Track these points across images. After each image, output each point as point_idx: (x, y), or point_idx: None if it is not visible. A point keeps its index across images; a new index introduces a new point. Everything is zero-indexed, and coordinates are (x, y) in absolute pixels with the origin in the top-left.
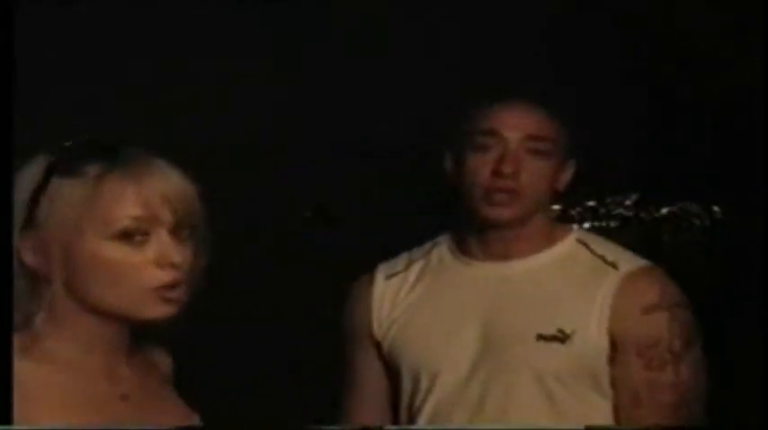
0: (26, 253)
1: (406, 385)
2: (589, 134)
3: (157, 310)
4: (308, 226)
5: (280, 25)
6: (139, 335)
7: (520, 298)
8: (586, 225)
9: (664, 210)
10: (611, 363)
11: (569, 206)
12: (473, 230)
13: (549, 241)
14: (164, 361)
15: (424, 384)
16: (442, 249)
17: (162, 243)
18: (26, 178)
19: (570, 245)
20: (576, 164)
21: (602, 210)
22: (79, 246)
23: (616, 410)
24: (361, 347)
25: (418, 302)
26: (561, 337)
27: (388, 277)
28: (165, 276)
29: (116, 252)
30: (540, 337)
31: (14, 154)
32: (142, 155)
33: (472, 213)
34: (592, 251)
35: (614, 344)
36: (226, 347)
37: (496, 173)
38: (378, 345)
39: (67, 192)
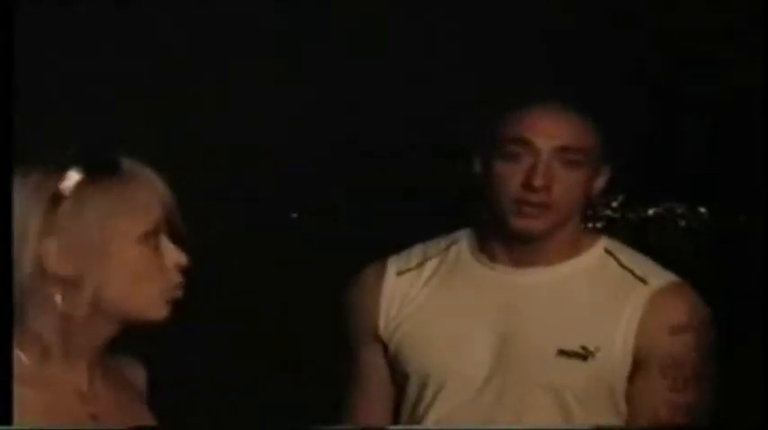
0: (51, 259)
1: (411, 391)
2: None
3: (163, 312)
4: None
5: (279, 25)
6: (118, 347)
7: (541, 308)
8: None
9: (650, 211)
10: (630, 381)
11: None
12: (498, 234)
13: (576, 249)
14: (138, 376)
15: (430, 391)
16: (461, 247)
17: (169, 246)
18: (33, 185)
19: (598, 255)
20: (611, 169)
21: (589, 212)
22: (110, 250)
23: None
24: (366, 344)
25: (430, 303)
26: (584, 354)
27: (400, 273)
28: (177, 278)
29: (142, 254)
30: (562, 353)
31: (14, 154)
32: (135, 162)
33: (499, 221)
34: (620, 262)
35: (637, 363)
36: (221, 348)
37: (527, 185)
38: (384, 345)
39: (93, 197)
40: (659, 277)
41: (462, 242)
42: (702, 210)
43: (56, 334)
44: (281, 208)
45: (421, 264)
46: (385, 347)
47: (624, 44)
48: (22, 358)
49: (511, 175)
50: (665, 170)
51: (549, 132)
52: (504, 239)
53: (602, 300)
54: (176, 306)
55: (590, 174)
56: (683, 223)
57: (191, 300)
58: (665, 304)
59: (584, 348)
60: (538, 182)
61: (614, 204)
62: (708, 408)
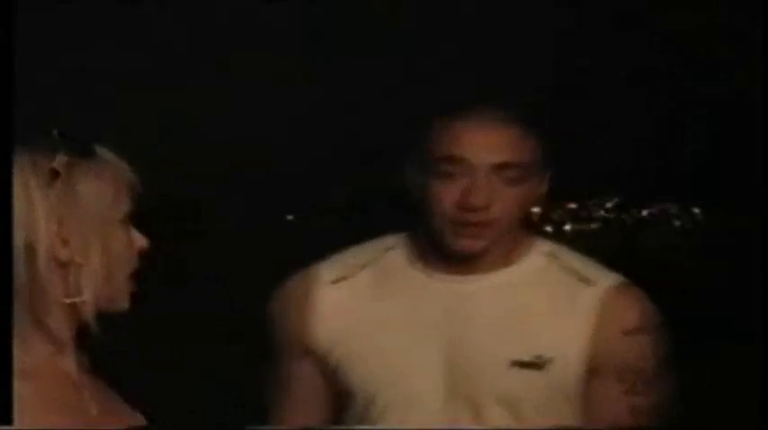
0: (59, 245)
1: (356, 406)
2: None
3: (127, 303)
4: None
5: (280, 25)
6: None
7: (488, 317)
8: (568, 227)
9: (644, 212)
10: (588, 388)
11: (550, 209)
12: (434, 245)
13: (517, 254)
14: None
15: (377, 409)
16: (396, 254)
17: (134, 231)
18: (29, 169)
19: (539, 258)
20: (552, 174)
21: (584, 213)
22: (102, 232)
23: None
24: (297, 358)
25: (372, 315)
26: (539, 364)
27: (335, 282)
28: (136, 264)
29: (122, 238)
30: (516, 364)
31: (14, 154)
32: (103, 148)
33: (436, 238)
34: (563, 265)
35: (593, 368)
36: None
37: (464, 205)
38: (318, 359)
39: (81, 178)
40: (605, 278)
41: (398, 248)
42: (696, 210)
43: (65, 324)
44: (280, 208)
45: (355, 272)
46: (322, 360)
47: (621, 45)
48: (35, 352)
49: (447, 196)
50: (659, 171)
51: (485, 148)
52: (442, 251)
53: (550, 305)
54: (174, 305)
55: (531, 186)
56: (677, 223)
57: (189, 299)
58: (616, 306)
59: (538, 357)
60: (476, 201)
61: (609, 205)
62: (669, 410)
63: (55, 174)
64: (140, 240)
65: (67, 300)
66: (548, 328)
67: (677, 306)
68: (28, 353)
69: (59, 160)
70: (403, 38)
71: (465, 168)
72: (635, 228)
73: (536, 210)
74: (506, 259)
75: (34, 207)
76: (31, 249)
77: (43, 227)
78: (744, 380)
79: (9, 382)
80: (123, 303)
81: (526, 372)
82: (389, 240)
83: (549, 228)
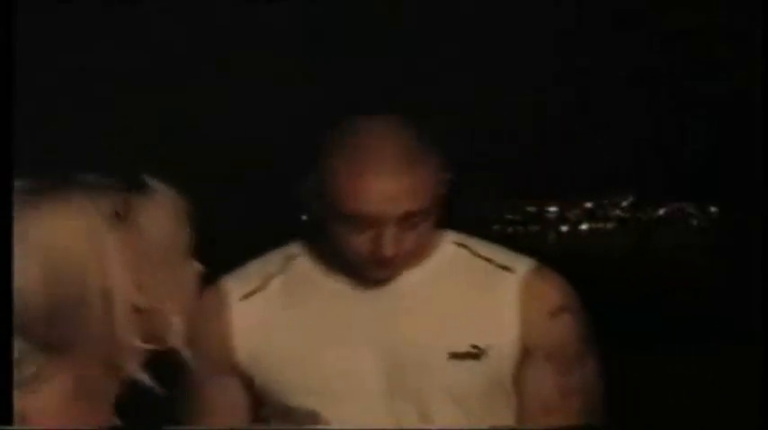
0: (135, 292)
1: (292, 421)
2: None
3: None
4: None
5: (280, 25)
6: None
7: (416, 314)
8: (584, 226)
9: (660, 211)
10: (520, 372)
11: (567, 208)
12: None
13: (428, 249)
14: None
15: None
16: (302, 262)
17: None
18: (92, 216)
19: (449, 249)
20: (451, 170)
21: (600, 212)
22: (181, 266)
23: (520, 419)
24: (218, 376)
25: (295, 326)
26: (476, 354)
27: (245, 297)
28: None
29: (194, 266)
30: (454, 356)
31: (14, 154)
32: (154, 179)
33: (347, 260)
34: (476, 254)
35: (524, 352)
36: None
37: (375, 256)
38: (243, 374)
39: (146, 217)
40: (521, 263)
41: (301, 256)
42: (713, 209)
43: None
44: (280, 207)
45: (264, 284)
46: (244, 378)
47: (623, 46)
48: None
49: (355, 244)
50: (675, 170)
51: (389, 200)
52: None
53: (473, 295)
54: None
55: (437, 210)
56: (693, 222)
57: None
58: (538, 289)
59: (475, 347)
60: (387, 253)
61: (624, 204)
62: (598, 390)
63: (118, 216)
64: (198, 267)
65: (147, 347)
66: (477, 318)
67: (691, 304)
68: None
69: (118, 200)
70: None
71: (371, 221)
72: (650, 227)
73: (553, 209)
74: (419, 256)
75: (105, 252)
76: (106, 296)
77: (119, 273)
78: (753, 379)
79: (9, 382)
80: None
81: (465, 364)
82: (292, 249)
83: (565, 228)
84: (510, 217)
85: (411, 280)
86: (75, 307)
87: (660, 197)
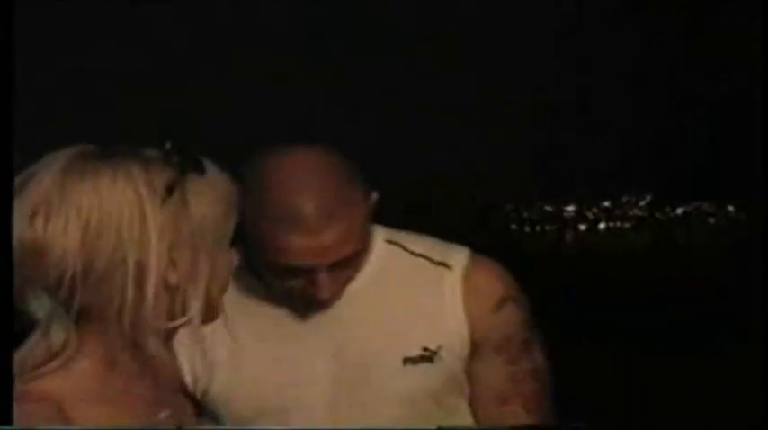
0: (170, 269)
1: None
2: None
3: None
4: None
5: (280, 25)
6: None
7: (362, 323)
8: (602, 225)
9: (678, 210)
10: (469, 366)
11: (585, 208)
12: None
13: (362, 256)
14: None
15: None
16: (240, 279)
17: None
18: (140, 186)
19: (382, 248)
20: (373, 193)
21: (618, 211)
22: (221, 254)
23: (476, 412)
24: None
25: (242, 343)
26: (429, 356)
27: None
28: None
29: (232, 256)
30: (408, 361)
31: (14, 154)
32: (212, 163)
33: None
34: (410, 251)
35: (473, 346)
36: None
37: (309, 296)
38: (195, 400)
39: (197, 197)
40: (456, 257)
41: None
42: (731, 208)
43: (163, 346)
44: None
45: None
46: (198, 402)
47: (638, 44)
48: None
49: (289, 286)
50: (692, 169)
51: (317, 252)
52: None
53: (415, 297)
54: None
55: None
56: (711, 221)
57: None
58: (477, 283)
59: (426, 349)
60: (321, 297)
61: (642, 203)
62: (548, 373)
63: (170, 192)
64: (234, 256)
65: (171, 325)
66: (423, 319)
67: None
68: (117, 376)
69: (173, 176)
70: (403, 38)
71: (303, 272)
72: (668, 226)
73: (571, 208)
74: (359, 256)
75: (147, 225)
76: (140, 268)
77: (155, 247)
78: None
79: (9, 382)
80: (213, 319)
81: (419, 367)
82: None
83: (583, 227)
84: (527, 216)
85: (351, 288)
86: (108, 273)
87: (679, 196)
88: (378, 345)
